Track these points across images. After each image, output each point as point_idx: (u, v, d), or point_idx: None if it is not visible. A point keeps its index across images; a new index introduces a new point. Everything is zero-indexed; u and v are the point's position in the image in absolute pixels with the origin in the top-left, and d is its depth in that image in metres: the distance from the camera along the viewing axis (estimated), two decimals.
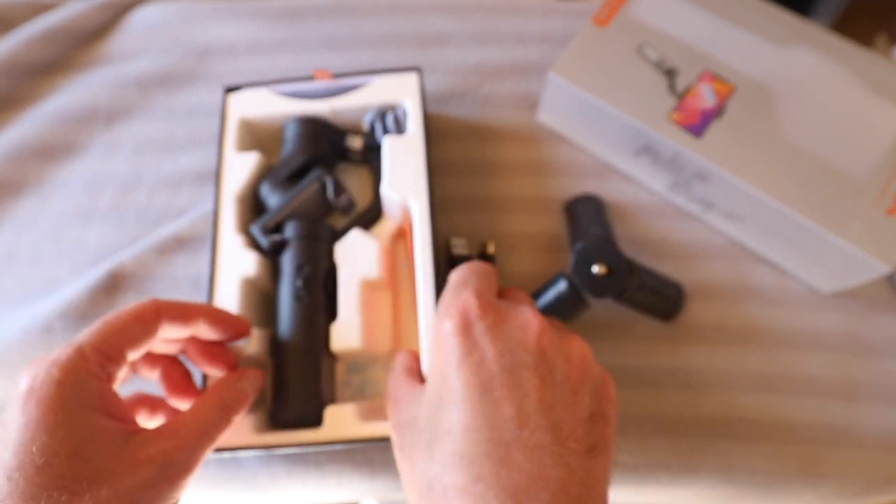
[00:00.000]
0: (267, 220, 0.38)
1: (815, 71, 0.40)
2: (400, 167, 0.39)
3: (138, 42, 0.51)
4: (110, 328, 0.26)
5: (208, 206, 0.43)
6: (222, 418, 0.28)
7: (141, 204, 0.45)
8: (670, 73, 0.40)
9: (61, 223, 0.44)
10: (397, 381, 0.29)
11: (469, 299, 0.26)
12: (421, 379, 0.29)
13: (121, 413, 0.25)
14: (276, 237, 0.38)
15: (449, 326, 0.25)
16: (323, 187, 0.39)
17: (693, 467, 0.37)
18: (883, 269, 0.35)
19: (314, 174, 0.40)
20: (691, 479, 0.37)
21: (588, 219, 0.41)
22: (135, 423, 0.25)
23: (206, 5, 0.52)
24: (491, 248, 0.42)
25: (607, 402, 0.26)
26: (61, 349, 0.24)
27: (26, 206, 0.45)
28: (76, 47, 0.51)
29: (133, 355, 0.27)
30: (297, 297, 0.36)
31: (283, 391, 0.35)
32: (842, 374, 0.39)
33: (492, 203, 0.44)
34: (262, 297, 0.39)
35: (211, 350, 0.32)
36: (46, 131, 0.47)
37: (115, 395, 0.25)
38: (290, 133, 0.42)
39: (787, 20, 0.42)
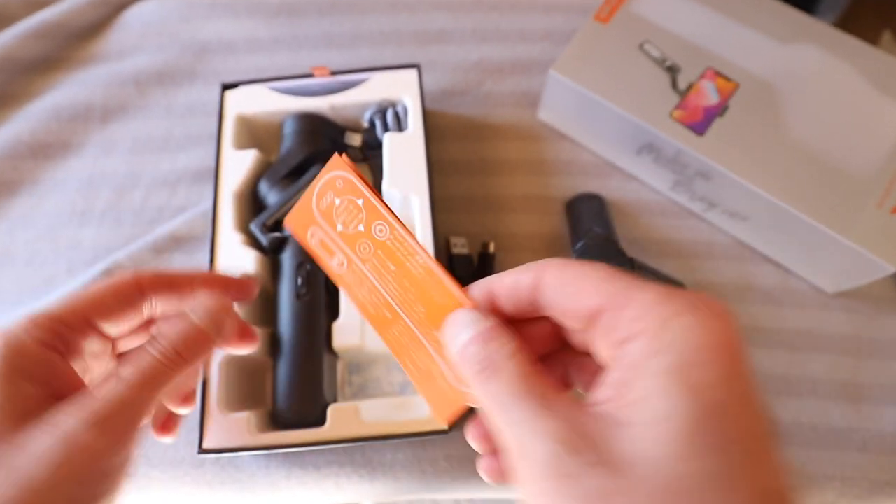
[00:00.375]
0: (266, 217, 0.38)
1: (819, 68, 0.39)
2: (400, 164, 0.39)
3: (135, 39, 0.50)
4: (79, 297, 0.24)
5: (206, 205, 0.43)
6: (160, 363, 0.22)
7: (138, 203, 0.44)
8: (672, 71, 0.40)
9: (57, 222, 0.44)
10: None
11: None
12: None
13: (63, 383, 0.22)
14: (275, 235, 0.37)
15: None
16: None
17: None
18: (888, 268, 0.35)
19: (314, 171, 0.39)
20: None
21: (589, 218, 0.40)
22: (80, 389, 0.22)
23: (204, 1, 0.52)
24: (491, 248, 0.41)
25: None
26: (15, 321, 0.23)
27: (21, 205, 0.45)
28: (72, 44, 0.50)
29: (112, 329, 0.25)
30: (298, 296, 0.36)
31: (284, 390, 0.34)
32: (846, 375, 0.39)
33: (492, 202, 0.44)
34: (263, 295, 0.39)
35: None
36: (42, 129, 0.47)
37: (63, 365, 0.23)
38: (289, 129, 0.41)
39: (792, 17, 0.41)
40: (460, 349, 0.19)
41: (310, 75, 0.42)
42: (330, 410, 0.34)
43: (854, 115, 0.38)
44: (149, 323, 0.27)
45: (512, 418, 0.16)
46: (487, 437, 0.20)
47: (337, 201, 0.22)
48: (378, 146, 0.41)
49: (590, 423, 0.15)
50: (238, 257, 0.37)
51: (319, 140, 0.41)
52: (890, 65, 0.39)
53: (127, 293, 0.25)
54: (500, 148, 0.45)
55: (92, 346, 0.24)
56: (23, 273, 0.42)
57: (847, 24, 0.62)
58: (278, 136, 0.42)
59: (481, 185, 0.44)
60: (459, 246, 0.41)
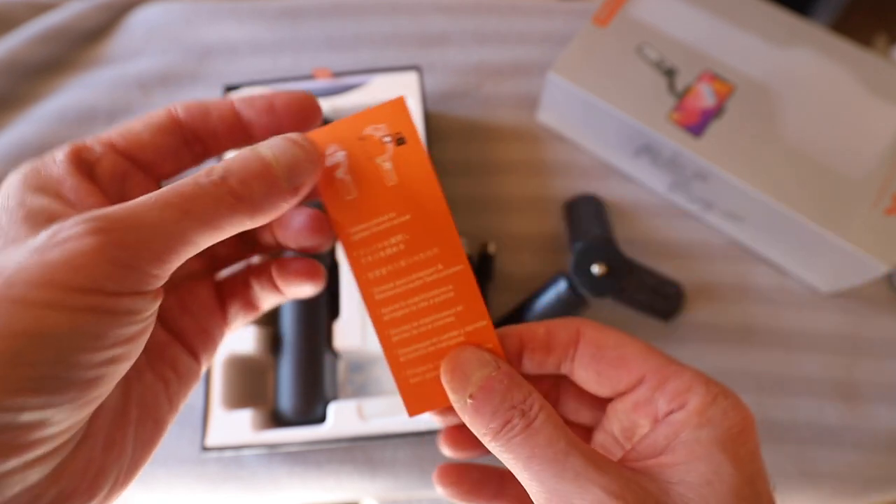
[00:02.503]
0: None
1: (814, 71, 0.40)
2: None
3: (139, 42, 0.51)
4: (109, 132, 0.20)
5: None
6: (205, 191, 0.16)
7: None
8: (670, 73, 0.41)
9: None
10: None
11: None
12: None
13: (83, 197, 0.17)
14: None
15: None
16: None
17: None
18: (882, 268, 0.35)
19: None
20: None
21: (588, 218, 0.41)
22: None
23: (208, 5, 0.52)
24: (491, 248, 0.42)
25: None
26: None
27: None
28: (76, 47, 0.51)
29: (167, 166, 0.20)
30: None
31: (285, 389, 0.35)
32: (840, 374, 0.39)
33: (492, 203, 0.44)
34: None
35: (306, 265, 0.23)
36: (46, 132, 0.47)
37: (80, 181, 0.18)
38: None
39: (787, 20, 0.42)
40: (477, 394, 0.18)
41: (311, 77, 0.43)
42: (331, 409, 0.34)
43: (848, 117, 0.38)
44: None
45: (562, 474, 0.16)
46: (465, 445, 0.22)
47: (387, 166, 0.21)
48: None
49: (638, 479, 0.16)
50: None
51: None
52: (883, 67, 0.40)
53: (165, 126, 0.20)
54: (500, 149, 0.46)
55: (139, 184, 0.20)
56: None
57: (841, 27, 0.63)
58: None
59: (481, 186, 0.45)
60: None
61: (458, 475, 0.22)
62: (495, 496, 0.22)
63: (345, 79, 0.43)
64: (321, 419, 0.34)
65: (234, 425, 0.34)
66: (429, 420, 0.34)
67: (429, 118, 0.46)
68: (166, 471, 0.37)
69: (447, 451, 0.22)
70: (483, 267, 0.41)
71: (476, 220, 0.44)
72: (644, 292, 0.38)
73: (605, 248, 0.37)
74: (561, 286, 0.37)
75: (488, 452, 0.19)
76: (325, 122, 0.41)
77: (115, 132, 0.20)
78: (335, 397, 0.37)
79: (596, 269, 0.36)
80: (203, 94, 0.49)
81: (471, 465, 0.22)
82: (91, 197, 0.18)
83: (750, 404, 0.38)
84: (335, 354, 0.37)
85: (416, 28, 0.51)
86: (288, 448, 0.34)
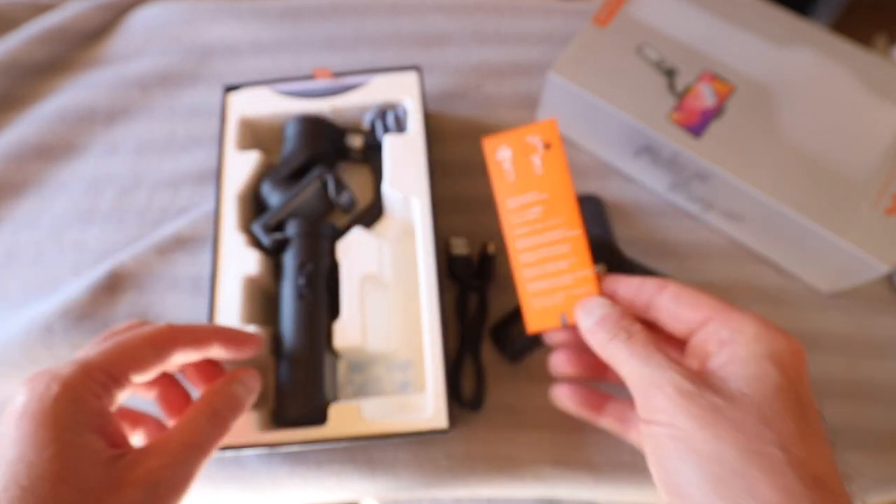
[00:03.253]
0: (268, 218, 0.38)
1: (814, 71, 0.40)
2: (401, 165, 0.39)
3: (139, 42, 0.51)
4: (122, 349, 0.25)
5: (209, 206, 0.43)
6: (214, 428, 0.26)
7: (141, 204, 0.45)
8: (670, 73, 0.41)
9: (62, 223, 0.44)
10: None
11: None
12: None
13: (115, 435, 0.24)
14: (277, 235, 0.38)
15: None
16: (324, 185, 0.40)
17: None
18: (882, 268, 0.35)
19: (315, 172, 0.39)
20: None
21: (588, 219, 0.41)
22: (127, 445, 0.24)
23: (208, 5, 0.52)
24: (491, 249, 0.42)
25: None
26: (66, 363, 0.24)
27: (26, 206, 0.45)
28: (76, 47, 0.51)
29: (139, 379, 0.26)
30: (300, 296, 0.36)
31: (286, 389, 0.35)
32: (841, 375, 0.39)
33: (492, 203, 0.44)
34: (265, 295, 0.39)
35: (208, 370, 0.31)
36: (46, 131, 0.47)
37: (111, 416, 0.24)
38: (291, 131, 0.42)
39: (787, 20, 0.42)
40: (598, 321, 0.26)
41: (311, 77, 0.43)
42: (331, 409, 0.34)
43: (848, 117, 0.38)
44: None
45: (649, 363, 0.23)
46: (572, 366, 0.29)
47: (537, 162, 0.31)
48: (379, 147, 0.42)
49: (704, 373, 0.23)
50: (240, 258, 0.37)
51: (321, 142, 0.41)
52: (883, 67, 0.40)
53: (161, 347, 0.26)
54: None
55: (123, 394, 0.26)
56: (28, 273, 0.43)
57: (842, 27, 0.63)
58: (280, 137, 0.43)
59: (481, 186, 0.45)
60: (460, 247, 0.42)
61: (572, 391, 0.29)
62: (598, 411, 0.29)
63: (345, 79, 0.43)
64: (321, 419, 0.34)
65: (235, 425, 0.34)
66: (429, 420, 0.34)
67: (428, 118, 0.46)
68: None
69: (560, 368, 0.30)
70: (483, 267, 0.41)
71: (476, 221, 0.44)
72: None
73: (606, 248, 0.37)
74: None
75: (588, 376, 0.29)
76: (328, 122, 0.41)
77: (124, 354, 0.26)
78: (335, 397, 0.37)
79: (597, 269, 0.36)
80: (203, 94, 0.49)
81: (581, 387, 0.29)
82: (117, 429, 0.24)
83: None
84: (335, 354, 0.37)
85: (417, 28, 0.51)
86: (288, 448, 0.34)
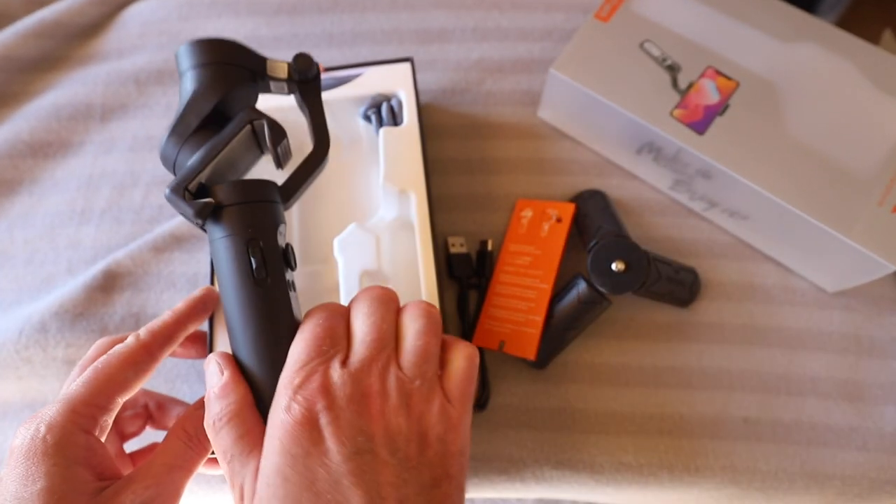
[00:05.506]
0: (187, 179, 0.27)
1: (820, 67, 0.39)
2: (396, 158, 0.39)
3: (134, 37, 0.50)
4: (102, 378, 0.26)
5: None
6: (191, 449, 0.27)
7: (137, 202, 0.44)
8: (673, 69, 0.40)
9: (56, 221, 0.44)
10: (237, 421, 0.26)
11: (315, 384, 0.24)
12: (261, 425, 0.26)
13: (104, 466, 0.25)
14: (205, 200, 0.27)
15: (295, 414, 0.24)
16: (255, 132, 0.30)
17: (695, 468, 0.37)
18: (888, 267, 0.35)
19: (242, 116, 0.29)
20: (693, 479, 0.37)
21: (597, 215, 0.40)
22: (116, 474, 0.25)
23: (204, 0, 0.52)
24: (490, 246, 0.41)
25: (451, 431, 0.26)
26: (52, 405, 0.25)
27: (21, 203, 0.45)
28: (71, 43, 0.50)
29: (126, 398, 0.27)
30: (258, 282, 0.27)
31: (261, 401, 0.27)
32: (846, 374, 0.39)
33: (492, 201, 0.44)
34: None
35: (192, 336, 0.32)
36: (41, 128, 0.46)
37: (100, 449, 0.25)
38: (187, 64, 0.30)
39: (792, 15, 0.41)
40: None
41: None
42: None
43: (854, 114, 0.38)
44: None
45: None
46: None
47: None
48: (309, 80, 0.33)
49: None
50: None
51: (233, 74, 0.30)
52: (890, 63, 0.39)
53: (141, 363, 0.27)
54: (500, 147, 0.45)
55: (110, 419, 0.26)
56: (22, 272, 0.42)
57: (848, 22, 0.62)
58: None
59: (481, 184, 0.44)
60: (458, 245, 0.41)
61: None
62: None
63: (337, 73, 0.42)
64: None
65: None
66: None
67: (426, 113, 0.46)
68: None
69: None
70: (481, 265, 0.41)
71: (476, 219, 0.43)
72: (662, 282, 0.38)
73: (622, 243, 0.37)
74: (580, 287, 0.37)
75: None
76: (237, 44, 0.32)
77: (107, 382, 0.26)
78: None
79: (615, 266, 0.36)
80: None
81: None
82: (106, 459, 0.25)
83: (755, 404, 0.38)
84: None
85: (416, 24, 0.50)
86: None
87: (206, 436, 0.27)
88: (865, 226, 0.35)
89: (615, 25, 0.41)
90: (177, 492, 0.26)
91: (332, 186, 0.45)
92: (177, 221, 0.43)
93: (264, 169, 0.34)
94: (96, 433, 0.25)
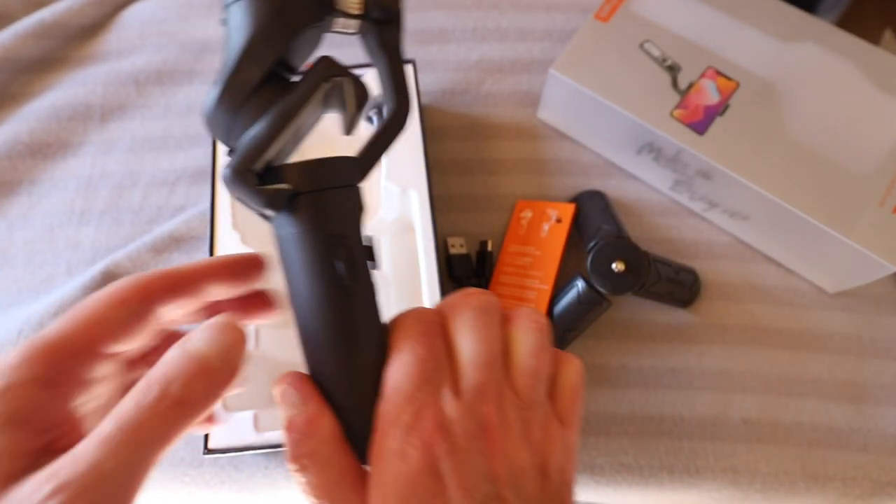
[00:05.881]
0: (250, 157, 0.20)
1: (820, 67, 0.39)
2: (397, 158, 0.39)
3: (134, 38, 0.50)
4: (77, 318, 0.20)
5: (205, 205, 0.43)
6: (151, 413, 0.18)
7: (137, 202, 0.44)
8: (673, 70, 0.40)
9: (56, 222, 0.44)
10: (329, 463, 0.21)
11: (430, 422, 0.20)
12: (360, 461, 0.21)
13: (62, 432, 0.19)
14: (280, 187, 0.21)
15: (412, 461, 0.19)
16: (331, 93, 0.23)
17: (695, 469, 0.37)
18: (889, 268, 0.35)
19: (318, 69, 0.22)
20: (693, 480, 0.37)
21: (597, 215, 0.40)
22: (72, 437, 0.19)
23: (203, 1, 0.51)
24: (489, 247, 0.41)
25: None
26: (13, 349, 0.20)
27: (20, 204, 0.45)
28: (71, 43, 0.50)
29: (121, 347, 0.21)
30: (342, 287, 0.21)
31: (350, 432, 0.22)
32: (847, 375, 0.39)
33: (492, 201, 0.44)
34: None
35: (243, 302, 0.25)
36: (40, 129, 0.46)
37: (59, 408, 0.19)
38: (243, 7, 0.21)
39: (793, 15, 0.41)
40: None
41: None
42: None
43: (855, 114, 0.38)
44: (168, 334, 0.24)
45: None
46: None
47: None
48: (395, 16, 0.26)
49: None
50: None
51: (300, 7, 0.22)
52: (891, 63, 0.39)
53: (129, 304, 0.21)
54: (500, 147, 0.45)
55: (101, 371, 0.21)
56: (21, 273, 0.42)
57: (848, 22, 0.62)
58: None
59: (481, 185, 0.44)
60: (458, 246, 0.41)
61: None
62: None
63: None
64: None
65: (236, 427, 0.33)
66: None
67: (427, 114, 0.46)
68: (161, 474, 0.37)
69: None
70: (481, 265, 0.41)
71: (475, 219, 0.43)
72: (662, 283, 0.38)
73: (622, 244, 0.37)
74: (580, 287, 0.37)
75: None
76: (322, 9, 0.23)
77: (80, 323, 0.20)
78: None
79: (615, 266, 0.36)
80: (199, 91, 0.48)
81: None
82: (58, 423, 0.19)
83: (755, 405, 0.38)
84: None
85: (416, 24, 0.50)
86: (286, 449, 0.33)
87: (194, 388, 0.19)
88: (866, 226, 0.35)
89: (615, 26, 0.41)
90: (120, 482, 0.17)
91: None
92: (176, 222, 0.43)
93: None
94: (66, 388, 0.19)
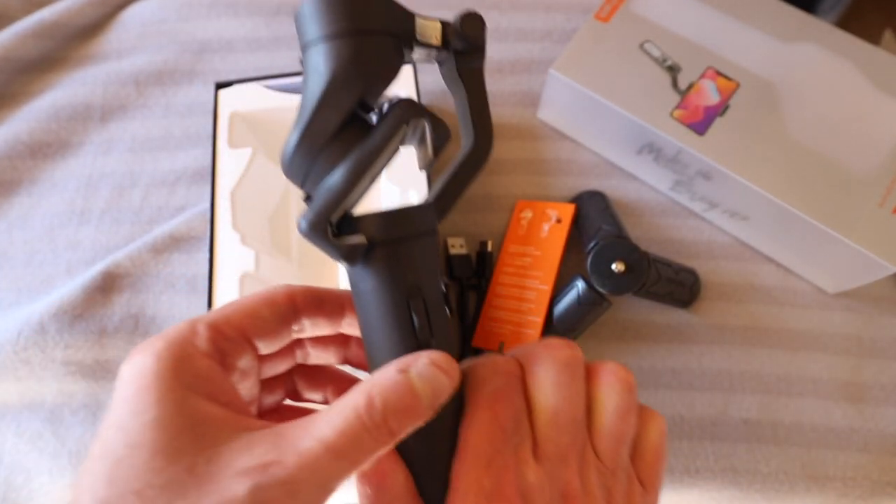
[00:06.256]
0: (329, 207, 0.20)
1: (820, 67, 0.39)
2: (398, 158, 0.39)
3: (134, 38, 0.50)
4: (233, 306, 0.21)
5: (205, 205, 0.43)
6: (371, 437, 0.17)
7: (137, 202, 0.44)
8: (673, 70, 0.40)
9: (56, 222, 0.44)
10: None
11: (511, 489, 0.19)
12: None
13: (233, 401, 0.19)
14: (355, 242, 0.20)
15: None
16: (410, 134, 0.23)
17: (695, 469, 0.37)
18: (889, 268, 0.35)
19: (397, 113, 0.21)
20: (693, 481, 0.37)
21: (597, 215, 0.40)
22: (249, 416, 0.19)
23: (203, 1, 0.51)
24: (490, 248, 0.41)
25: None
26: (181, 323, 0.20)
27: (20, 204, 0.45)
28: (71, 43, 0.50)
29: (264, 347, 0.21)
30: (418, 340, 0.21)
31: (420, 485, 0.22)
32: (847, 375, 0.39)
33: (492, 202, 0.44)
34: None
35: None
36: (40, 129, 0.46)
37: (226, 379, 0.19)
38: (321, 32, 0.20)
39: (793, 15, 0.41)
40: None
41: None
42: None
43: (855, 115, 0.38)
44: (292, 347, 0.24)
45: None
46: None
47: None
48: (478, 47, 0.24)
49: None
50: (236, 255, 0.37)
51: (381, 47, 0.21)
52: (891, 64, 0.39)
53: (282, 308, 0.22)
54: (500, 147, 0.45)
55: (244, 363, 0.21)
56: (21, 273, 0.42)
57: (848, 23, 0.62)
58: (275, 134, 0.42)
59: (481, 185, 0.44)
60: (458, 247, 0.41)
61: None
62: None
63: None
64: None
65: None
66: None
67: None
68: None
69: None
70: (481, 266, 0.41)
71: (475, 219, 0.43)
72: (662, 283, 0.38)
73: (622, 244, 0.37)
74: (580, 288, 0.37)
75: None
76: (402, 42, 0.23)
77: (237, 311, 0.21)
78: None
79: (615, 267, 0.36)
80: (199, 91, 0.48)
81: None
82: (235, 399, 0.19)
83: (755, 405, 0.38)
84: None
85: None
86: None
87: (405, 420, 0.18)
88: (866, 227, 0.35)
89: (615, 26, 0.41)
90: (329, 488, 0.17)
91: None
92: (176, 222, 0.43)
93: None
94: (226, 367, 0.20)
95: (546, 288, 0.38)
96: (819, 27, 0.40)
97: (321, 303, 0.23)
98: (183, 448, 0.17)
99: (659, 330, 0.40)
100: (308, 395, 0.25)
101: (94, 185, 0.45)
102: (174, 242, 0.42)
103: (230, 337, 0.20)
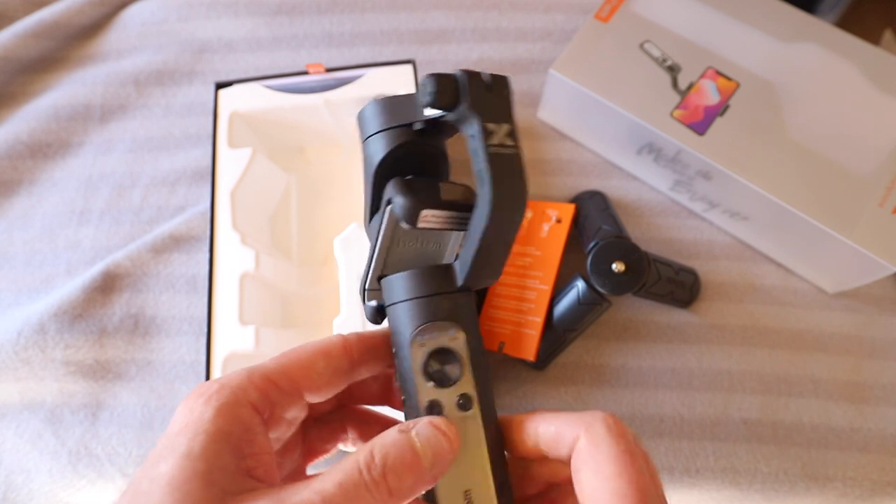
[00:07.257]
0: (363, 281, 0.24)
1: (820, 68, 0.39)
2: None
3: (134, 38, 0.50)
4: (291, 356, 0.21)
5: (205, 205, 0.43)
6: (367, 488, 0.18)
7: (137, 202, 0.44)
8: (673, 70, 0.40)
9: (56, 222, 0.44)
10: None
11: None
12: None
13: (256, 458, 0.19)
14: (374, 306, 0.24)
15: None
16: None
17: (695, 469, 0.37)
18: (889, 268, 0.35)
19: (384, 211, 0.23)
20: (693, 481, 0.37)
21: (597, 215, 0.40)
22: (267, 478, 0.19)
23: (203, 1, 0.51)
24: None
25: None
26: (239, 370, 0.21)
27: (20, 204, 0.45)
28: (71, 43, 0.50)
29: (316, 397, 0.22)
30: (431, 407, 0.21)
31: None
32: (847, 376, 0.39)
33: None
34: (268, 290, 0.38)
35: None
36: (40, 129, 0.46)
37: (263, 433, 0.20)
38: (375, 126, 0.26)
39: (793, 16, 0.41)
40: None
41: (305, 73, 0.42)
42: None
43: (855, 115, 0.38)
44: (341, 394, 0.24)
45: None
46: None
47: None
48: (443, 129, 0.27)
49: None
50: (236, 255, 0.37)
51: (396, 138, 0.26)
52: (891, 64, 0.39)
53: (338, 361, 0.22)
54: None
55: (292, 413, 0.21)
56: (21, 273, 0.42)
57: (848, 23, 0.62)
58: (274, 133, 0.42)
59: None
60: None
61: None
62: None
63: (339, 73, 0.42)
64: None
65: None
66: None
67: None
68: None
69: None
70: None
71: None
72: (662, 283, 0.38)
73: (622, 244, 0.37)
74: (580, 288, 0.37)
75: None
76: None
77: (294, 363, 0.21)
78: None
79: (615, 267, 0.36)
80: (199, 91, 0.48)
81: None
82: (264, 453, 0.19)
83: (755, 405, 0.38)
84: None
85: (416, 24, 0.50)
86: None
87: (402, 480, 0.18)
88: (866, 227, 0.35)
89: (615, 26, 0.41)
90: None
91: (332, 186, 0.45)
92: (176, 222, 0.43)
93: None
94: (269, 420, 0.20)
95: (546, 288, 0.38)
96: (819, 27, 0.40)
97: (375, 350, 0.23)
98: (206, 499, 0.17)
99: (659, 330, 0.40)
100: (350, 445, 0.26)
101: (94, 185, 0.45)
102: (174, 242, 0.42)
103: (283, 389, 0.21)
